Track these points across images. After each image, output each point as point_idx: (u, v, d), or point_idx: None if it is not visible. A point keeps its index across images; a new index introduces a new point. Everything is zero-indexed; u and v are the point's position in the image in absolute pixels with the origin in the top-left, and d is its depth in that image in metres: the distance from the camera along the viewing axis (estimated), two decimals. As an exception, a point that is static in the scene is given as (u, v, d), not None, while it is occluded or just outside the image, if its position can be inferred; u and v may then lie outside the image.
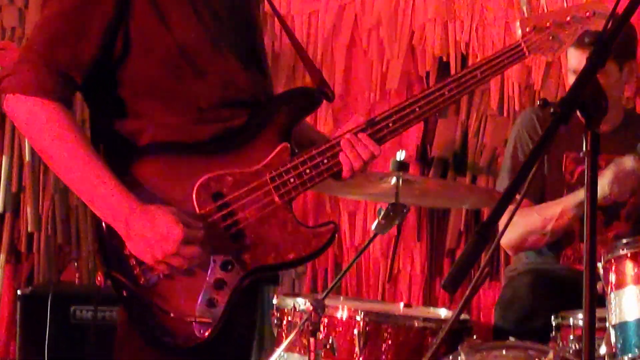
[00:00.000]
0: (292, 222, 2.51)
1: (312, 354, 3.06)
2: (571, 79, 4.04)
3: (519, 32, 2.61)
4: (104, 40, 2.45)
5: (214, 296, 2.45)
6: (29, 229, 5.12)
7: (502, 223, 1.95)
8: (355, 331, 3.40)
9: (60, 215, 5.12)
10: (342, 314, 3.46)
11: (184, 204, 2.44)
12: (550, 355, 3.11)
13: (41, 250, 5.12)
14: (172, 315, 2.43)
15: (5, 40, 4.99)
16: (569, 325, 3.43)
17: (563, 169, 4.04)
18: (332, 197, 5.07)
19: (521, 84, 4.98)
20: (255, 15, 2.67)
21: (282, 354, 3.42)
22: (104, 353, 4.05)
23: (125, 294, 2.44)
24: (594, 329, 1.99)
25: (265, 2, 2.84)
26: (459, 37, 5.02)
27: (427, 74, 5.07)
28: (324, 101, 2.63)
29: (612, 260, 3.13)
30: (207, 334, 2.44)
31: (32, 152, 4.97)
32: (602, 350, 3.10)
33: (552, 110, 1.94)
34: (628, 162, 3.87)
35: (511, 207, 1.96)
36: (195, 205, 2.46)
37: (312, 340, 3.04)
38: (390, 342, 3.43)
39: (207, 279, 2.44)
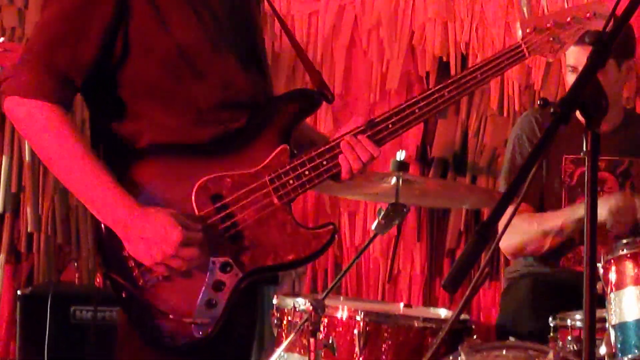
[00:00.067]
0: (291, 224, 2.51)
1: (312, 354, 3.06)
2: (569, 76, 4.04)
3: (519, 33, 2.61)
4: (104, 42, 2.45)
5: (213, 297, 2.45)
6: (29, 229, 5.12)
7: (501, 225, 1.95)
8: (355, 331, 3.40)
9: (60, 215, 5.12)
10: (342, 314, 3.46)
11: (183, 206, 2.44)
12: (551, 355, 3.12)
13: (41, 250, 5.12)
14: (171, 316, 2.43)
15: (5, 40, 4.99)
16: (567, 326, 3.43)
17: (562, 172, 4.03)
18: (332, 197, 5.07)
19: (521, 84, 4.98)
20: (255, 16, 2.67)
21: (282, 354, 3.42)
22: (104, 353, 4.06)
23: (124, 296, 2.45)
24: (594, 330, 1.99)
25: (265, 3, 2.84)
26: (459, 37, 5.03)
27: (427, 74, 5.08)
28: (324, 101, 2.63)
29: (612, 261, 3.13)
30: (206, 334, 2.44)
31: (32, 153, 4.96)
32: (602, 350, 3.10)
33: (552, 110, 1.94)
34: (624, 197, 3.86)
35: (511, 208, 1.96)
36: (194, 207, 2.46)
37: (312, 340, 3.04)
38: (390, 342, 3.43)
39: (206, 280, 2.44)
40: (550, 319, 3.49)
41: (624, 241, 3.16)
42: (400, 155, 3.44)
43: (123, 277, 2.43)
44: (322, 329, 3.36)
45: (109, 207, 2.39)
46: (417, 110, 2.56)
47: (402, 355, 3.43)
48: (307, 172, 2.51)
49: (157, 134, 2.48)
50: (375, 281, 5.11)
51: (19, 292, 4.66)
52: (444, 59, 5.05)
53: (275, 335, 3.62)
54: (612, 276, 3.12)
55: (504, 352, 3.20)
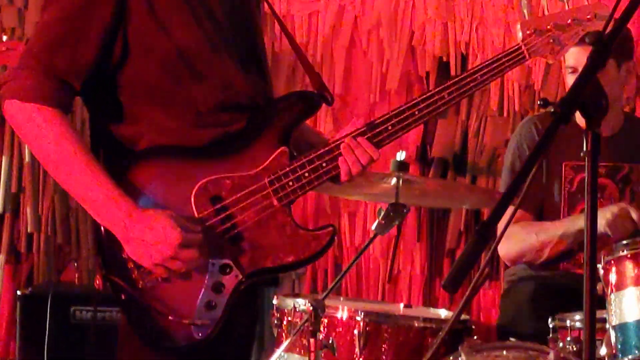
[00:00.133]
0: (290, 225, 2.51)
1: (312, 355, 3.06)
2: (569, 77, 4.03)
3: (520, 34, 2.60)
4: (103, 44, 2.45)
5: (212, 299, 2.44)
6: (29, 230, 5.12)
7: (500, 226, 1.95)
8: (355, 331, 3.40)
9: (59, 215, 5.12)
10: (342, 314, 3.46)
11: (182, 208, 2.44)
12: (551, 355, 3.11)
13: (41, 250, 5.12)
14: (170, 318, 2.43)
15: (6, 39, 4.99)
16: (567, 327, 3.42)
17: (562, 178, 4.03)
18: (332, 198, 5.07)
19: (521, 84, 4.98)
20: (255, 17, 2.67)
21: (282, 354, 3.42)
22: (104, 353, 4.06)
23: (123, 298, 2.44)
24: (594, 330, 1.99)
25: (265, 3, 2.83)
26: (459, 37, 5.03)
27: (427, 74, 5.08)
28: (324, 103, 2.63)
29: (612, 262, 3.13)
30: (205, 336, 2.44)
31: (32, 153, 4.96)
32: (602, 351, 3.10)
33: (552, 110, 1.94)
34: (629, 210, 3.86)
35: (511, 209, 1.95)
36: (194, 209, 2.46)
37: (312, 340, 3.03)
38: (390, 342, 3.42)
39: (206, 282, 2.44)
40: (549, 319, 3.49)
41: (624, 242, 3.16)
42: (400, 155, 3.44)
43: (123, 279, 2.43)
44: (322, 329, 3.36)
45: (108, 209, 2.39)
46: (417, 112, 2.55)
47: (402, 355, 3.43)
48: (306, 174, 2.51)
49: (157, 136, 2.47)
50: (375, 281, 5.11)
51: (18, 292, 4.66)
52: (444, 59, 5.05)
53: (275, 335, 3.62)
54: (613, 277, 3.11)
55: (504, 352, 3.20)
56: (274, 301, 3.61)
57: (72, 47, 2.43)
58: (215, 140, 2.49)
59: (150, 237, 2.36)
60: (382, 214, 3.23)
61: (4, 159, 5.11)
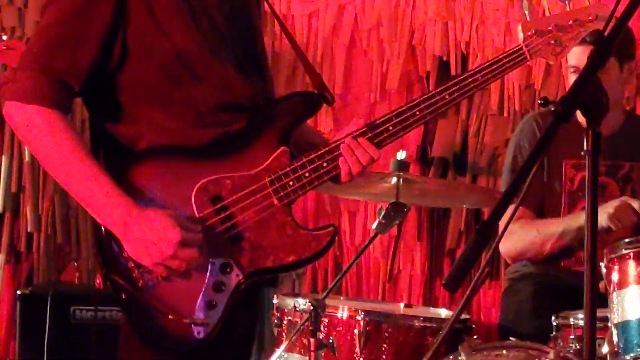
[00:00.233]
0: (291, 225, 2.51)
1: (312, 354, 3.06)
2: (571, 76, 4.04)
3: (521, 35, 2.60)
4: (102, 46, 2.45)
5: (213, 298, 2.45)
6: (29, 229, 5.11)
7: (501, 225, 1.95)
8: (356, 331, 3.40)
9: (59, 215, 5.11)
10: (342, 314, 3.46)
11: (182, 207, 2.44)
12: (551, 355, 3.11)
13: (41, 250, 5.11)
14: (171, 317, 2.43)
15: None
16: (569, 325, 3.42)
17: (563, 177, 4.03)
18: (332, 197, 5.06)
19: (521, 84, 4.98)
20: (255, 18, 2.67)
21: (282, 354, 3.42)
22: (104, 353, 4.05)
23: (124, 297, 2.44)
24: (594, 329, 1.99)
25: (265, 3, 2.83)
26: (459, 37, 5.02)
27: (428, 73, 5.08)
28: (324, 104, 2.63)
29: (615, 260, 3.12)
30: (205, 335, 2.44)
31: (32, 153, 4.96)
32: (604, 349, 3.10)
33: (552, 108, 1.94)
34: (629, 201, 3.86)
35: (511, 208, 1.95)
36: (194, 208, 2.46)
37: (312, 340, 3.03)
38: (390, 342, 3.42)
39: (206, 281, 2.44)
40: (552, 318, 3.49)
41: (627, 240, 3.15)
42: (401, 155, 3.44)
43: (123, 278, 2.43)
44: (322, 329, 3.36)
45: (108, 208, 2.40)
46: (417, 113, 2.55)
47: (402, 355, 3.43)
48: (307, 174, 2.51)
49: (157, 136, 2.48)
50: (376, 281, 5.10)
51: (18, 292, 4.66)
52: (444, 58, 5.05)
53: (276, 335, 3.62)
54: (615, 275, 3.11)
55: (504, 352, 3.20)
56: (274, 301, 3.61)
57: (72, 48, 2.43)
58: (215, 140, 2.49)
59: (150, 236, 2.36)
60: (383, 213, 3.24)
61: (4, 159, 5.11)
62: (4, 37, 4.30)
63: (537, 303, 3.95)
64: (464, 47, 5.02)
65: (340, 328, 3.44)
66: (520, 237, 3.99)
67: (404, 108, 2.56)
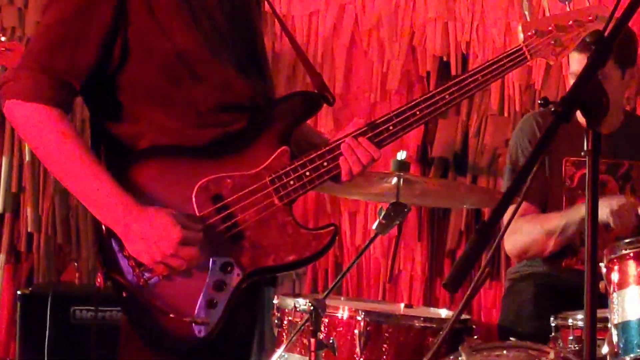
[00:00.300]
0: (292, 225, 2.51)
1: (313, 354, 3.06)
2: (572, 83, 4.03)
3: (521, 35, 2.60)
4: (103, 46, 2.46)
5: (214, 297, 2.45)
6: (29, 230, 5.11)
7: (504, 222, 1.95)
8: (356, 331, 3.40)
9: (60, 215, 5.11)
10: (342, 314, 3.46)
11: (183, 207, 2.45)
12: (552, 355, 3.11)
13: (41, 250, 5.11)
14: (171, 315, 2.43)
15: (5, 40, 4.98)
16: (569, 326, 3.42)
17: (563, 174, 4.03)
18: (332, 197, 5.06)
19: (522, 84, 4.97)
20: (255, 18, 2.67)
21: (282, 354, 3.42)
22: (104, 353, 4.05)
23: (124, 295, 2.45)
24: (595, 329, 1.99)
25: (265, 3, 2.84)
26: (460, 37, 5.02)
27: (428, 74, 5.07)
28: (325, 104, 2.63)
29: (615, 260, 3.12)
30: (206, 334, 2.44)
31: (32, 153, 4.94)
32: (604, 350, 3.10)
33: (552, 109, 1.94)
34: (623, 198, 3.86)
35: (512, 207, 1.95)
36: (195, 208, 2.46)
37: (312, 340, 3.03)
38: (390, 342, 3.42)
39: (207, 280, 2.45)
40: (552, 318, 3.49)
41: (627, 240, 3.15)
42: (401, 155, 3.45)
43: (123, 277, 2.43)
44: (322, 329, 3.36)
45: (109, 207, 2.40)
46: (418, 112, 2.56)
47: (402, 355, 3.43)
48: (307, 173, 2.52)
49: (158, 136, 2.48)
50: (376, 281, 5.10)
51: (19, 293, 4.66)
52: (445, 58, 5.05)
53: (276, 335, 3.62)
54: (615, 275, 3.11)
55: (505, 352, 3.20)
56: (275, 301, 3.61)
57: (72, 48, 2.44)
58: (215, 140, 2.50)
59: (150, 235, 2.37)
60: (383, 213, 3.24)
61: (4, 159, 5.11)
62: (3, 39, 4.30)
63: (537, 303, 3.95)
64: (465, 47, 5.02)
65: (341, 328, 3.45)
66: (524, 233, 3.98)
67: (404, 108, 2.56)
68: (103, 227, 2.44)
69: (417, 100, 2.57)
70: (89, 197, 2.42)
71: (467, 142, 5.05)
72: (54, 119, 2.42)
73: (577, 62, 3.88)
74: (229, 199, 2.47)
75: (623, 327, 3.05)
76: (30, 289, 4.70)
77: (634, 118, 4.30)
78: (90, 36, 2.44)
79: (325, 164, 2.53)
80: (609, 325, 3.10)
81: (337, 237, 2.58)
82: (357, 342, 3.39)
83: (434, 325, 3.47)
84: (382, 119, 2.56)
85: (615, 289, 3.10)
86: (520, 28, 2.62)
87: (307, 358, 3.11)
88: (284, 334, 3.55)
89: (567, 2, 2.63)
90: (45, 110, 2.42)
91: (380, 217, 3.23)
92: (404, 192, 3.38)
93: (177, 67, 2.48)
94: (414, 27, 5.07)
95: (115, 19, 2.45)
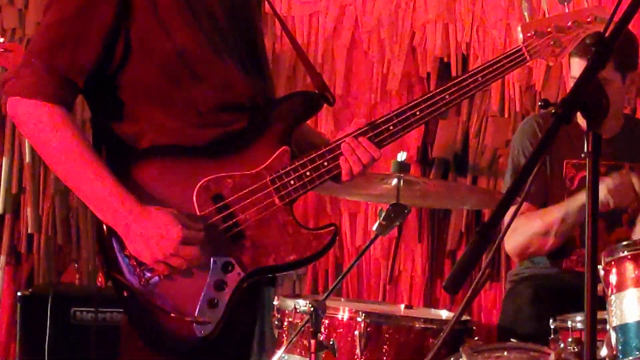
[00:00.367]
0: (292, 224, 2.51)
1: (313, 356, 3.06)
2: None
3: (520, 36, 2.61)
4: (104, 45, 2.46)
5: (214, 296, 2.45)
6: (29, 230, 5.11)
7: (505, 222, 1.95)
8: (356, 332, 3.40)
9: (60, 216, 5.11)
10: (343, 315, 3.46)
11: (184, 206, 2.45)
12: (552, 356, 3.11)
13: (41, 251, 5.11)
14: (172, 315, 2.43)
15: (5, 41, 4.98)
16: (568, 328, 3.42)
17: (563, 176, 4.03)
18: (333, 198, 5.06)
19: (522, 85, 4.98)
20: (255, 18, 2.67)
21: (283, 355, 3.42)
22: (105, 354, 4.05)
23: (125, 295, 2.45)
24: (595, 331, 1.99)
25: (266, 3, 2.84)
26: (460, 38, 5.02)
27: (428, 74, 5.08)
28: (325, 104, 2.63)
29: (613, 263, 3.12)
30: (207, 333, 2.44)
31: (32, 154, 4.96)
32: (603, 352, 3.10)
33: (553, 110, 1.94)
34: (626, 175, 3.87)
35: (513, 208, 1.95)
36: (196, 207, 2.46)
37: (312, 341, 3.03)
38: (391, 343, 3.42)
39: (208, 279, 2.45)
40: (551, 320, 3.49)
41: (624, 243, 3.15)
42: (401, 156, 3.45)
43: (124, 277, 2.44)
44: (322, 330, 3.36)
45: (110, 205, 2.40)
46: (418, 113, 2.56)
47: (403, 356, 3.43)
48: (308, 173, 2.52)
49: (158, 136, 2.49)
50: (376, 282, 5.10)
51: (19, 294, 4.66)
52: (445, 59, 5.05)
53: (276, 336, 3.62)
54: (613, 278, 3.11)
55: (505, 353, 3.20)
56: (275, 302, 3.61)
57: (73, 47, 2.45)
58: (216, 140, 2.50)
59: (151, 234, 2.37)
60: (383, 214, 3.24)
61: (4, 160, 5.11)
62: (1, 40, 4.31)
63: (537, 305, 3.94)
64: (465, 48, 5.02)
65: (341, 329, 3.45)
66: (524, 229, 3.99)
67: (404, 108, 2.56)
68: (104, 226, 2.44)
69: (417, 101, 2.57)
70: (90, 195, 2.43)
71: (468, 143, 5.05)
72: (57, 116, 2.43)
73: (578, 66, 3.89)
74: (229, 199, 2.48)
75: (621, 329, 3.05)
76: (30, 290, 4.70)
77: (633, 121, 4.30)
78: (91, 36, 2.45)
79: (325, 163, 2.53)
80: (608, 327, 3.10)
81: (337, 238, 2.59)
82: (357, 343, 3.39)
83: (435, 327, 3.47)
84: (383, 119, 2.56)
85: (614, 292, 3.10)
86: (519, 29, 2.62)
87: (307, 359, 3.11)
88: (284, 335, 3.55)
89: (566, 4, 2.63)
90: (47, 107, 2.42)
91: (381, 218, 3.23)
92: (404, 193, 3.38)
93: (177, 67, 2.48)
94: (414, 28, 5.07)
95: (117, 18, 2.45)
